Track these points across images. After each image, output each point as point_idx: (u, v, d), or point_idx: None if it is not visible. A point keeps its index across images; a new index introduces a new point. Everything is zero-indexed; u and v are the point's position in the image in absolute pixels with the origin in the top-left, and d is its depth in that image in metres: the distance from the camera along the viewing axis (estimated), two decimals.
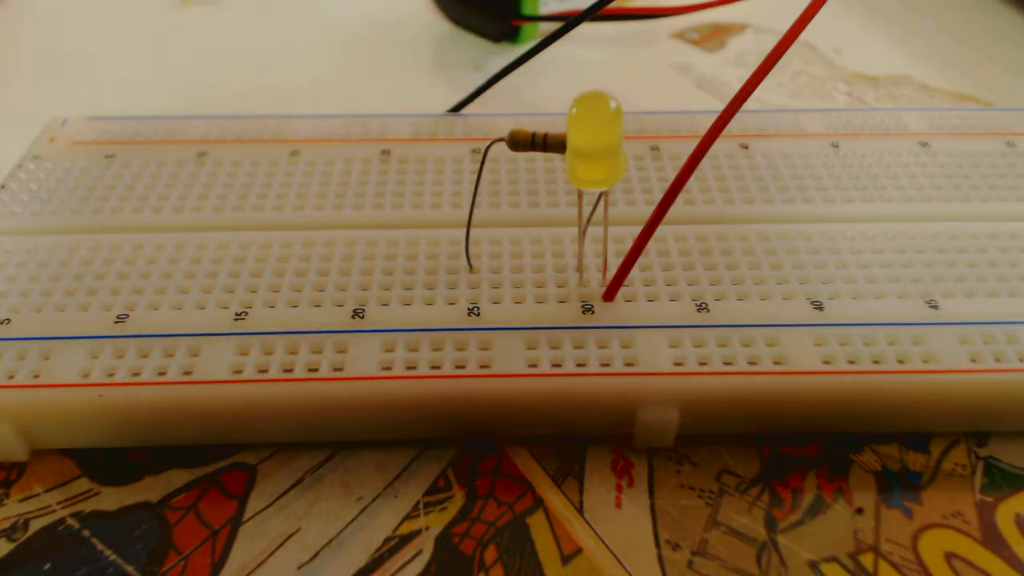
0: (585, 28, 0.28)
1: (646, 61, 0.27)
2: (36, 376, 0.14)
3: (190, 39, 0.28)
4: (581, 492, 0.14)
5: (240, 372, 0.14)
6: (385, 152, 0.19)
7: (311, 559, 0.13)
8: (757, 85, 0.13)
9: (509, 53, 0.26)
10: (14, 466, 0.15)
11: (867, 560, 0.13)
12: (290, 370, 0.14)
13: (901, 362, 0.14)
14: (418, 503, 0.14)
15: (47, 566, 0.13)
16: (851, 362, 0.14)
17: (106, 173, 0.19)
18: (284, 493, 0.14)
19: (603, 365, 0.14)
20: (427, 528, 0.14)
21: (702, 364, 0.14)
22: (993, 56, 0.27)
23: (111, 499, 0.14)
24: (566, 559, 0.13)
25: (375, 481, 0.14)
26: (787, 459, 0.15)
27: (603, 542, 0.14)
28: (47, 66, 0.26)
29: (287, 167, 0.19)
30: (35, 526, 0.14)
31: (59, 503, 0.14)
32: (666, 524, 0.14)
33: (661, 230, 0.17)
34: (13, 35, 0.28)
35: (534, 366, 0.14)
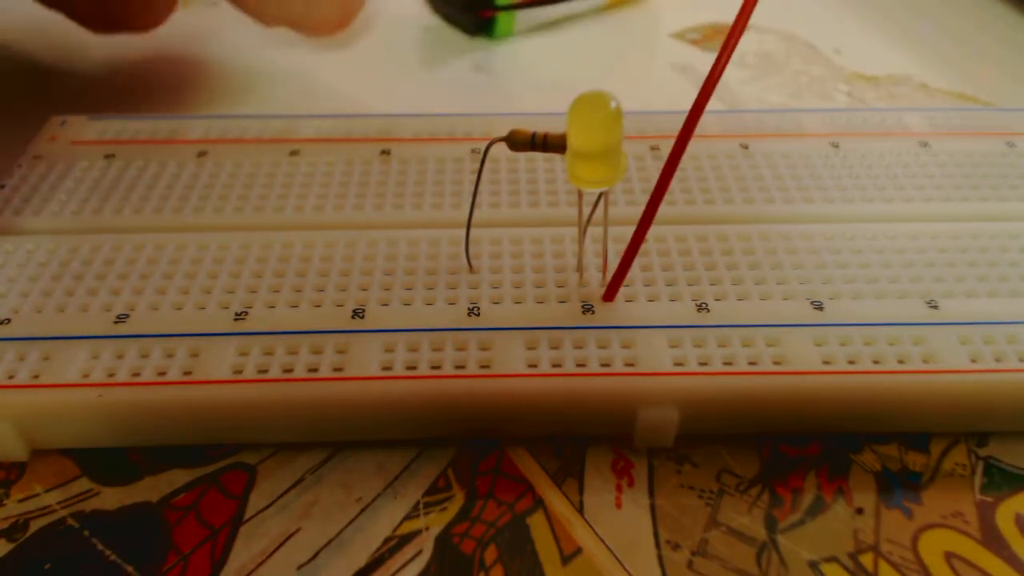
0: (586, 27, 0.28)
1: (646, 61, 0.27)
2: (36, 376, 0.14)
3: (190, 39, 0.28)
4: (581, 492, 0.14)
5: (240, 372, 0.14)
6: (385, 152, 0.19)
7: (311, 559, 0.13)
8: (724, 67, 0.13)
9: (507, 51, 0.26)
10: (14, 466, 0.15)
11: (867, 560, 0.13)
12: (290, 370, 0.14)
13: (901, 362, 0.14)
14: (418, 503, 0.14)
15: (47, 566, 0.13)
16: (851, 362, 0.14)
17: (106, 173, 0.19)
18: (284, 493, 0.14)
19: (603, 365, 0.14)
20: (427, 528, 0.14)
21: (702, 364, 0.14)
22: (993, 56, 0.27)
23: (111, 499, 0.14)
24: (566, 559, 0.13)
25: (375, 481, 0.14)
26: (787, 459, 0.15)
27: (603, 542, 0.14)
28: (47, 65, 0.26)
29: (287, 167, 0.19)
30: (35, 526, 0.14)
31: (59, 503, 0.14)
32: (666, 524, 0.14)
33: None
34: (13, 34, 0.28)
35: (534, 366, 0.14)
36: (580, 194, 0.15)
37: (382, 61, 0.26)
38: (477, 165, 0.19)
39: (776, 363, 0.14)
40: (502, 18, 0.26)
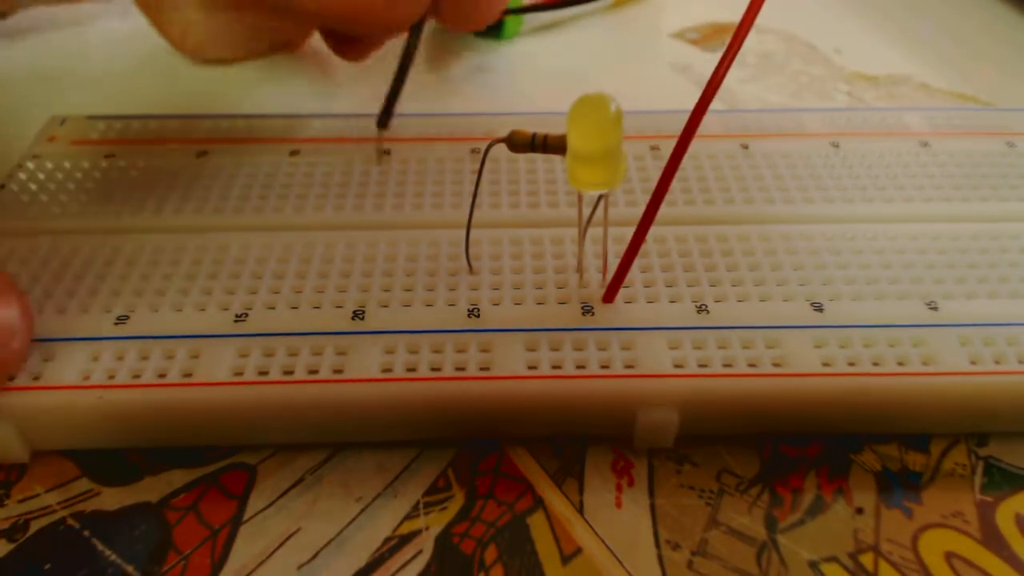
0: (586, 26, 0.28)
1: (646, 61, 0.27)
2: (37, 378, 0.14)
3: None
4: (581, 492, 0.14)
5: (240, 374, 0.14)
6: (385, 152, 0.19)
7: (311, 559, 0.13)
8: (728, 67, 0.13)
9: (507, 50, 0.26)
10: (14, 467, 0.15)
11: (867, 560, 0.13)
12: (290, 372, 0.14)
13: (901, 364, 0.14)
14: (418, 503, 0.14)
15: (47, 566, 0.13)
16: (851, 364, 0.14)
17: (106, 173, 0.19)
18: (284, 493, 0.14)
19: (603, 367, 0.14)
20: (427, 528, 0.14)
21: (702, 366, 0.14)
22: (993, 56, 0.27)
23: (111, 499, 0.14)
24: (566, 559, 0.13)
25: (375, 481, 0.14)
26: (787, 459, 0.15)
27: (603, 542, 0.14)
28: (47, 65, 0.26)
29: (287, 167, 0.19)
30: (35, 526, 0.14)
31: (59, 503, 0.14)
32: (666, 524, 0.14)
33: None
34: (13, 33, 0.28)
35: (534, 368, 0.14)
36: (580, 195, 0.15)
37: (384, 61, 0.26)
38: (477, 165, 0.19)
39: (776, 365, 0.14)
40: (510, 21, 0.26)
